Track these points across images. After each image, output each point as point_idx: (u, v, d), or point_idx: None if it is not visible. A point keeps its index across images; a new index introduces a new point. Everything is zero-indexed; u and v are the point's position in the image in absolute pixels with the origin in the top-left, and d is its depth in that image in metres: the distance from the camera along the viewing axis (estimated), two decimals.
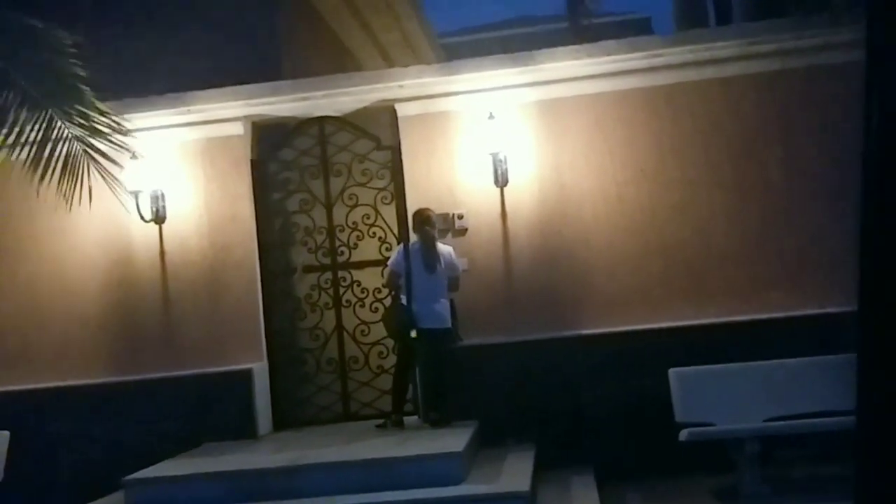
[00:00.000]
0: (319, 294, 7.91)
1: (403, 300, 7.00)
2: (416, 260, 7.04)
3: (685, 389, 6.69)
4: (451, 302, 7.09)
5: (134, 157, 7.38)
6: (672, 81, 7.43)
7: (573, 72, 7.49)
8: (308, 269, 7.97)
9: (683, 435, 6.28)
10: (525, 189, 7.45)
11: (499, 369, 7.26)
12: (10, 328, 7.85)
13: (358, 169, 7.88)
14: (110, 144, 6.79)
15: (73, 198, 6.63)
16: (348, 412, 7.82)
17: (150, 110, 7.74)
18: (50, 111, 6.60)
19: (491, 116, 7.32)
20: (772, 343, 6.84)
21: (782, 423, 6.36)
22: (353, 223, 7.86)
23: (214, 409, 7.50)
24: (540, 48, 7.66)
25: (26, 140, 6.63)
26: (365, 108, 7.77)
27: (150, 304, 7.74)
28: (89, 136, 6.73)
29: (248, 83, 7.82)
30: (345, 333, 7.85)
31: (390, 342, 7.51)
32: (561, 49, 7.63)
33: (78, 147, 6.71)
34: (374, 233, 7.85)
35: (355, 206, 7.86)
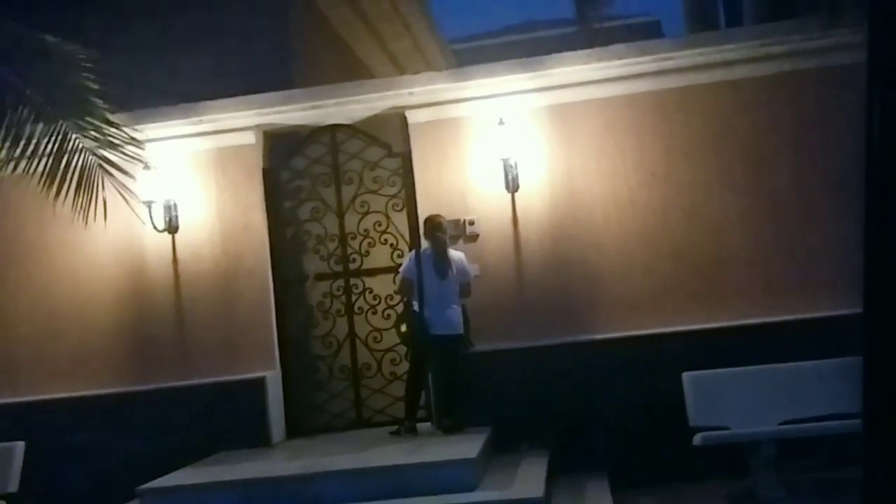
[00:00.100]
0: (332, 301, 7.93)
1: (416, 307, 7.01)
2: (427, 266, 7.05)
3: (699, 393, 6.66)
4: (463, 308, 7.09)
5: (146, 167, 7.43)
6: (683, 84, 7.42)
7: (583, 76, 7.49)
8: (320, 276, 7.98)
9: (697, 439, 6.26)
10: (536, 194, 7.45)
11: (511, 375, 7.25)
12: (24, 338, 7.90)
13: (369, 176, 7.90)
14: (124, 156, 6.84)
15: (88, 211, 6.67)
16: (361, 419, 7.83)
17: (162, 121, 7.80)
18: (64, 124, 6.64)
19: (501, 122, 7.33)
20: (785, 346, 6.80)
21: (798, 426, 6.31)
22: (365, 230, 7.88)
23: (228, 417, 7.52)
24: (549, 53, 7.66)
25: (41, 153, 6.67)
26: (376, 116, 7.80)
27: (163, 314, 7.78)
28: (103, 148, 6.77)
29: (259, 93, 7.85)
30: (357, 340, 7.86)
31: (403, 349, 7.51)
32: (571, 53, 7.62)
33: (92, 159, 6.75)
34: (385, 240, 7.86)
35: (367, 213, 7.88)
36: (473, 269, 7.26)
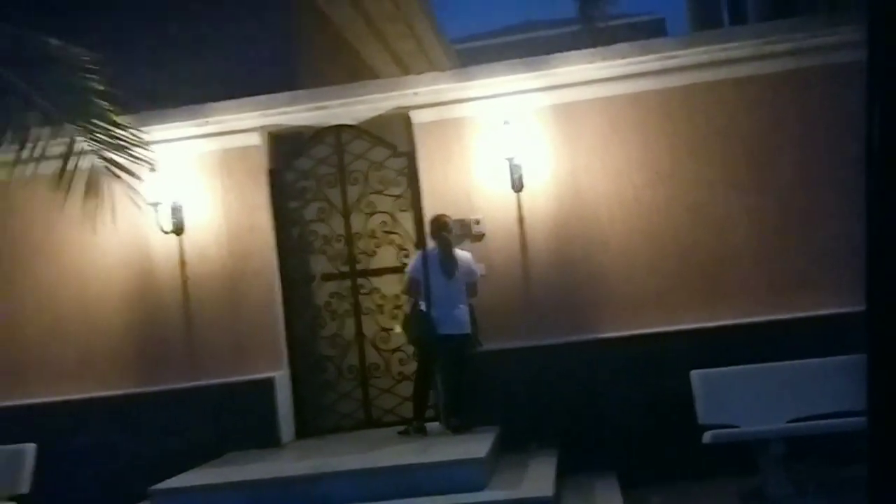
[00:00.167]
0: (339, 302, 7.95)
1: (423, 306, 7.02)
2: (434, 266, 7.06)
3: (708, 391, 6.66)
4: (471, 307, 7.10)
5: (153, 169, 7.45)
6: (687, 83, 7.42)
7: (587, 75, 7.49)
8: (327, 277, 8.00)
9: (707, 437, 6.26)
10: (541, 193, 7.46)
11: (519, 374, 7.27)
12: (32, 340, 7.93)
13: (375, 176, 7.92)
14: (130, 158, 6.87)
15: (96, 214, 6.70)
16: (370, 419, 7.85)
17: (167, 123, 7.82)
18: (70, 128, 6.67)
19: (506, 122, 7.34)
20: (791, 344, 6.80)
21: (807, 423, 6.32)
22: (371, 230, 7.90)
23: (237, 418, 7.54)
24: (553, 52, 7.67)
25: (49, 156, 6.70)
26: (380, 116, 7.81)
27: (170, 315, 7.80)
28: (110, 150, 6.80)
29: (264, 94, 7.87)
30: (365, 340, 7.88)
31: (410, 349, 7.53)
32: (575, 53, 7.63)
33: (99, 162, 6.77)
34: (391, 240, 7.88)
35: (373, 213, 7.90)
36: (480, 269, 7.27)
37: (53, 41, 6.67)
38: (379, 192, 7.90)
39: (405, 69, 13.13)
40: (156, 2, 9.47)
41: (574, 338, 7.26)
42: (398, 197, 7.87)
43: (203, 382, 7.64)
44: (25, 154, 6.64)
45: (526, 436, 7.09)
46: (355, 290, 7.92)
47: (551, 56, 7.59)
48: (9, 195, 7.77)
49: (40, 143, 6.64)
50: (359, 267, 7.94)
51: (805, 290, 7.09)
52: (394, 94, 7.79)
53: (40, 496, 6.93)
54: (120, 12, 9.25)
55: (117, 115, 6.81)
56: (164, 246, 7.82)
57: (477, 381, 7.11)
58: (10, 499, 6.72)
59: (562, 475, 6.42)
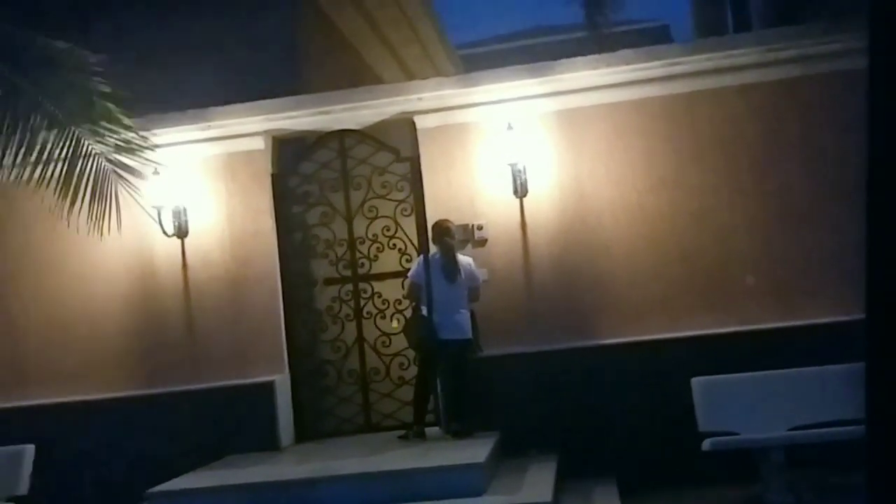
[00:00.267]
0: (340, 306, 7.95)
1: (424, 311, 7.02)
2: (436, 271, 7.06)
3: (708, 398, 6.64)
4: (472, 312, 7.09)
5: (156, 172, 7.46)
6: (691, 89, 7.42)
7: (592, 81, 7.49)
8: (329, 281, 8.01)
9: (706, 444, 6.23)
10: (545, 199, 7.46)
11: (520, 380, 7.25)
12: (34, 343, 7.94)
13: (378, 181, 7.92)
14: (136, 160, 6.88)
15: (102, 217, 6.72)
16: (370, 423, 7.84)
17: (171, 126, 7.82)
18: (76, 130, 6.68)
19: (510, 127, 7.34)
20: (794, 351, 6.77)
21: (807, 431, 6.29)
22: (374, 235, 7.90)
23: (237, 421, 7.54)
24: (558, 58, 7.67)
25: (55, 158, 6.71)
26: (384, 121, 7.82)
27: (172, 318, 7.81)
28: (115, 152, 6.81)
29: (268, 98, 7.89)
30: (366, 345, 7.88)
31: (411, 353, 7.52)
32: (579, 59, 7.64)
33: (105, 165, 6.79)
34: (394, 244, 7.88)
35: (375, 218, 7.90)
36: (482, 274, 7.26)
37: (59, 43, 6.69)
38: (382, 197, 7.90)
39: (410, 74, 13.15)
40: (159, 5, 9.50)
41: (575, 344, 7.25)
42: (401, 202, 7.87)
43: (204, 385, 7.63)
44: (33, 157, 6.66)
45: (526, 441, 7.07)
46: (357, 294, 7.92)
47: (556, 62, 7.59)
48: (13, 198, 7.78)
49: (45, 145, 6.67)
50: (361, 271, 7.94)
51: (809, 297, 7.07)
52: (398, 99, 7.79)
53: (39, 498, 6.93)
54: (122, 15, 9.28)
55: (124, 116, 6.82)
56: (166, 249, 7.83)
57: (477, 386, 7.10)
58: (9, 500, 6.73)
59: (561, 481, 6.41)
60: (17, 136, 6.52)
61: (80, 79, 6.70)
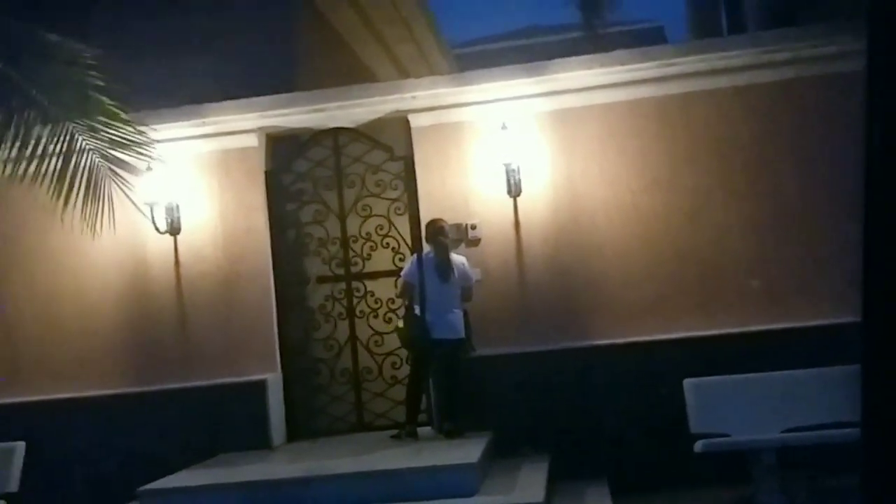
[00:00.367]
0: (333, 304, 7.93)
1: (417, 310, 7.01)
2: (429, 270, 7.04)
3: (700, 400, 6.64)
4: (465, 312, 7.08)
5: (149, 168, 7.43)
6: (686, 90, 7.42)
7: (586, 81, 7.49)
8: (322, 279, 7.99)
9: (698, 446, 6.23)
10: (538, 199, 7.45)
11: (513, 380, 7.25)
12: (26, 339, 7.90)
13: (371, 180, 7.90)
14: (131, 155, 6.84)
15: (95, 213, 6.68)
16: (362, 423, 7.83)
17: (164, 122, 7.78)
18: (70, 125, 6.64)
19: (504, 127, 7.33)
20: (788, 353, 6.78)
21: (799, 434, 6.29)
22: (367, 234, 7.88)
23: (229, 419, 7.52)
24: (553, 58, 7.67)
25: (49, 153, 6.67)
26: (379, 119, 7.80)
27: (165, 315, 7.78)
28: (110, 148, 6.77)
29: (262, 95, 7.86)
30: (358, 344, 7.86)
31: (404, 352, 7.51)
32: (574, 59, 7.63)
33: (98, 160, 6.75)
34: (387, 243, 7.86)
35: (369, 216, 7.88)
36: (475, 274, 7.26)
37: (52, 37, 6.65)
38: (375, 196, 7.89)
39: (404, 73, 13.12)
40: (154, 0, 9.46)
41: (568, 344, 7.24)
42: (395, 200, 7.86)
43: (196, 383, 7.60)
44: (25, 152, 6.62)
45: (518, 441, 7.07)
46: (350, 293, 7.91)
47: (550, 62, 7.59)
48: (5, 193, 7.73)
49: (39, 140, 6.63)
50: (354, 270, 7.93)
51: (803, 299, 7.07)
52: (392, 97, 7.77)
53: (30, 495, 6.90)
54: (116, 12, 9.23)
55: (119, 111, 6.78)
56: (159, 246, 7.80)
57: (470, 385, 7.10)
58: None
59: (553, 481, 6.41)
60: (11, 132, 6.47)
61: (74, 73, 6.66)
